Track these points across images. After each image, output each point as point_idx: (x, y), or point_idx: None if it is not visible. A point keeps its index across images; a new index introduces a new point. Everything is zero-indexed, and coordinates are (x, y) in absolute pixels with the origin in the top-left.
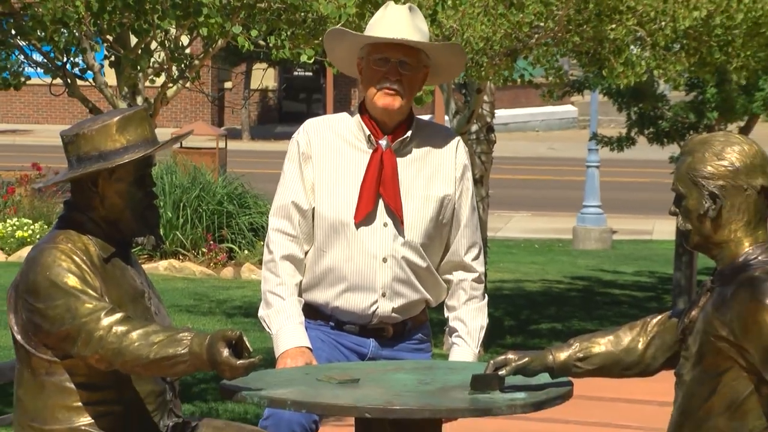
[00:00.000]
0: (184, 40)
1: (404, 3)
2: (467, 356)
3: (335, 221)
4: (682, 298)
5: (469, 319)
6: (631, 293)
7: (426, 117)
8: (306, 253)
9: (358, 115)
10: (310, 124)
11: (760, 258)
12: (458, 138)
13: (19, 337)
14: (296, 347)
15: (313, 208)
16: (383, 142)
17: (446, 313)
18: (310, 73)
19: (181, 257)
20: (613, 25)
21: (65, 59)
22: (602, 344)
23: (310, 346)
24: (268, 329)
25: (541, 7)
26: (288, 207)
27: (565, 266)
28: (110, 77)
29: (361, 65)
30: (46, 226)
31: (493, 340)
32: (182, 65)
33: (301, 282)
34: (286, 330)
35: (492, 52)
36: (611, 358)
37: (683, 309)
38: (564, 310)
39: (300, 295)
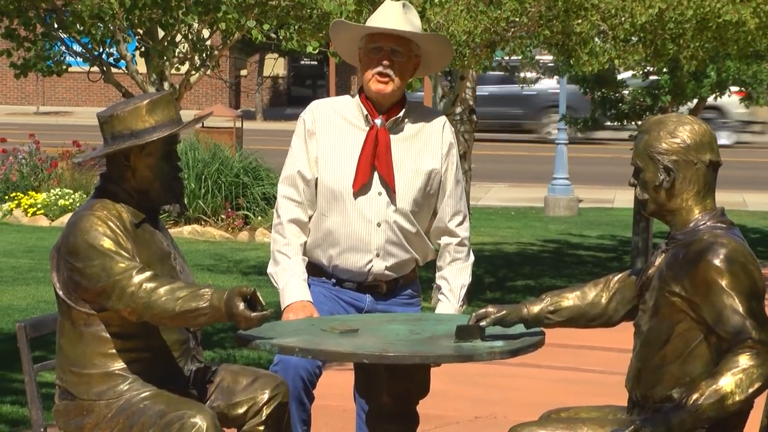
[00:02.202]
0: (205, 33)
1: (399, 0)
2: (449, 310)
3: (336, 190)
4: (639, 259)
5: (452, 278)
6: (595, 254)
7: (415, 100)
8: (310, 218)
9: (357, 97)
10: (315, 105)
11: (708, 223)
12: (445, 118)
13: (60, 293)
14: (299, 301)
15: (317, 177)
16: (378, 121)
17: (436, 273)
18: (315, 62)
19: (203, 223)
20: (579, 20)
21: (101, 50)
22: (570, 299)
23: (311, 299)
24: (275, 284)
25: (516, 4)
26: (294, 176)
27: (538, 231)
28: (140, 65)
29: (360, 54)
30: (84, 195)
31: (474, 295)
32: (203, 55)
33: (305, 243)
34: (291, 286)
35: (473, 44)
36: (578, 311)
37: (641, 268)
38: (537, 269)
39: (305, 254)
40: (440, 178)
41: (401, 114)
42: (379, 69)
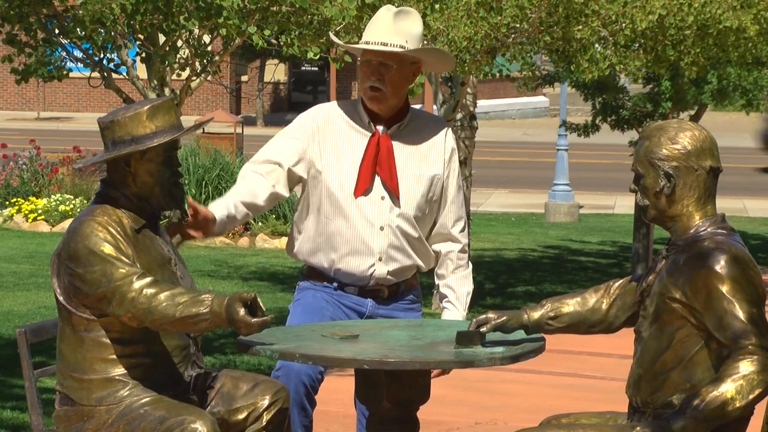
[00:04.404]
0: (206, 38)
1: (397, 6)
2: (457, 318)
3: (338, 193)
4: (640, 265)
5: (457, 286)
6: (596, 260)
7: (416, 106)
8: (272, 192)
9: (360, 103)
10: (318, 107)
11: (708, 230)
12: (447, 126)
13: (61, 299)
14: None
15: (306, 175)
16: (380, 128)
17: (436, 281)
18: (316, 68)
19: None
20: (580, 27)
21: (102, 55)
22: (571, 305)
23: (216, 217)
24: None
25: (516, 10)
26: (262, 159)
27: (538, 236)
28: (141, 71)
29: (358, 64)
30: (85, 201)
31: (475, 301)
32: (204, 61)
33: (256, 199)
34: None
35: (474, 50)
36: (578, 317)
37: (641, 274)
38: (537, 275)
39: (252, 203)
40: (442, 184)
41: (404, 121)
42: (369, 83)
